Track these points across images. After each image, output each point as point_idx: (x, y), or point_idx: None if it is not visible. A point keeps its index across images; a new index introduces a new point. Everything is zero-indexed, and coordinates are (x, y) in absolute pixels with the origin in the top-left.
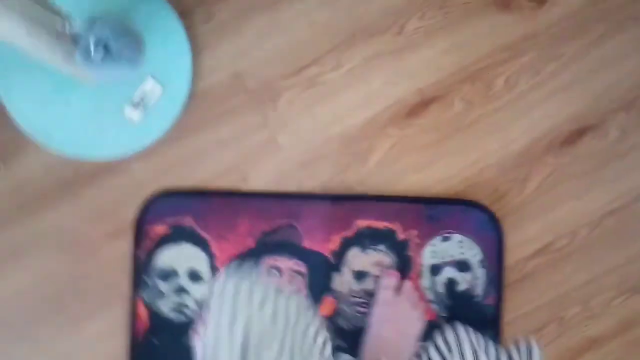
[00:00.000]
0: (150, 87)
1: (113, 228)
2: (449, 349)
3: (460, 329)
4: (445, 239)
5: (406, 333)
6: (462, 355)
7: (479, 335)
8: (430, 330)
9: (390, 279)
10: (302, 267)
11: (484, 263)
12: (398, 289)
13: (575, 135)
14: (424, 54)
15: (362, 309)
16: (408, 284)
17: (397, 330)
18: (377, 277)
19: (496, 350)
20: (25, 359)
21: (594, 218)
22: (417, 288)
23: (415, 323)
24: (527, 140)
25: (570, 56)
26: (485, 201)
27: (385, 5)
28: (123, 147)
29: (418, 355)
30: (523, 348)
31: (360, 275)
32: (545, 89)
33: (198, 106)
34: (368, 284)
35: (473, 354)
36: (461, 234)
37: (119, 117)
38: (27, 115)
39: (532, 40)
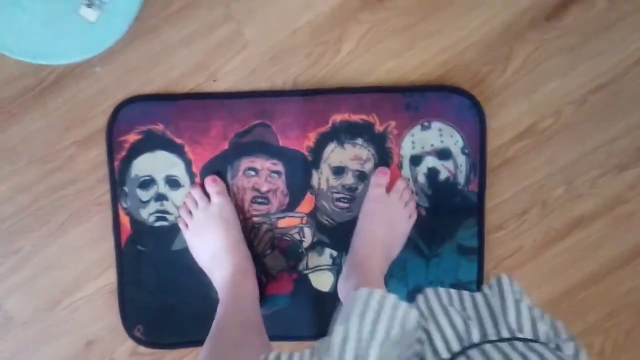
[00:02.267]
0: None
1: (83, 137)
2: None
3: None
4: (425, 127)
5: (396, 230)
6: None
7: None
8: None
9: (382, 177)
10: (279, 167)
11: (465, 150)
12: (389, 187)
13: (561, 7)
14: None
15: (342, 204)
16: (400, 182)
17: (387, 227)
18: (356, 172)
19: (472, 297)
20: (13, 270)
21: (580, 95)
22: (409, 186)
23: (405, 221)
24: (509, 15)
25: None
26: (465, 85)
27: None
28: (83, 50)
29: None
30: (494, 284)
31: (338, 171)
32: None
33: (157, 1)
34: (347, 179)
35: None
36: (441, 122)
37: (76, 17)
38: None
39: None
